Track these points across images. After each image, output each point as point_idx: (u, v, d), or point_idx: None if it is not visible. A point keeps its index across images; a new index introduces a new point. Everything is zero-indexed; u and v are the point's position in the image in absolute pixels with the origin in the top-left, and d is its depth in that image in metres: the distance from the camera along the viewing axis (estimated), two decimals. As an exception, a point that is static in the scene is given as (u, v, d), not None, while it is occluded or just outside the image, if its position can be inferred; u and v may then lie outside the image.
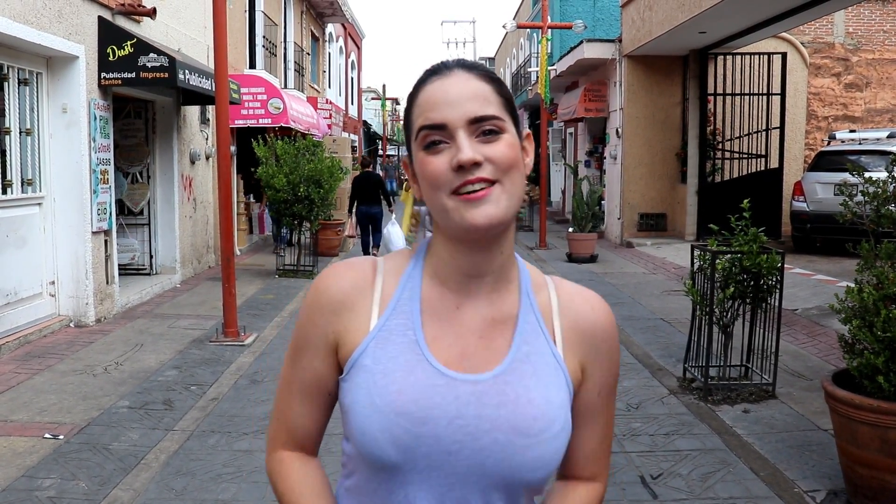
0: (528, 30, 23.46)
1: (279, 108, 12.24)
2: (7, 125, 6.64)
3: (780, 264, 5.03)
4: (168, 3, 9.44)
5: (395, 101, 42.66)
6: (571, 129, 20.49)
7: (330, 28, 22.33)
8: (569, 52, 16.66)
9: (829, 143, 13.21)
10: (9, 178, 6.62)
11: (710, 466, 4.03)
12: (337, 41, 24.63)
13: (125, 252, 9.49)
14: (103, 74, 7.70)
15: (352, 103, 28.70)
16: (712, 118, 13.69)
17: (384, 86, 36.37)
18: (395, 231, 11.18)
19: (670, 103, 14.44)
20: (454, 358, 1.01)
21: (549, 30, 15.47)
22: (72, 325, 7.33)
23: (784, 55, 13.57)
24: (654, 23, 12.71)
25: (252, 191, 14.09)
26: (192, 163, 10.56)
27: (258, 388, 5.46)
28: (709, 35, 12.21)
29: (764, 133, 13.54)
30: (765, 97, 13.42)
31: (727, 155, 13.79)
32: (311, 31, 19.31)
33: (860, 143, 12.09)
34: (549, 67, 15.75)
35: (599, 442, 1.11)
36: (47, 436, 4.43)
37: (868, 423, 3.38)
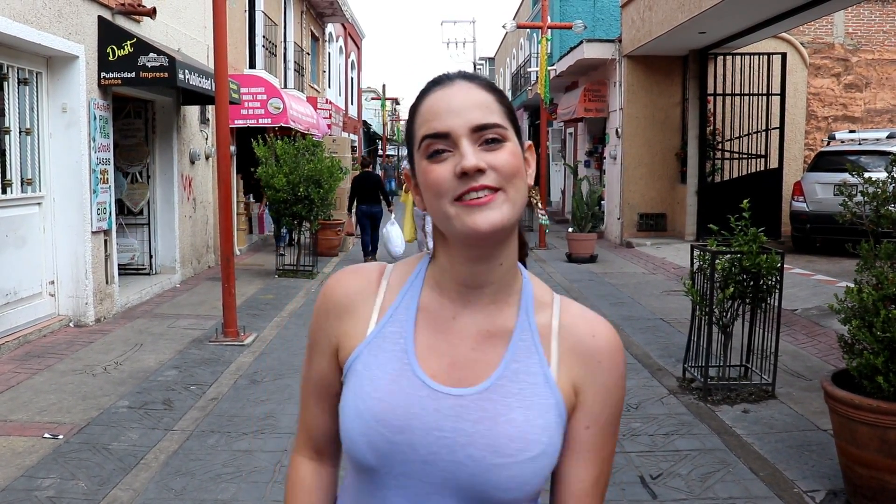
0: (528, 30, 23.47)
1: (279, 108, 12.24)
2: (7, 125, 6.64)
3: (779, 264, 5.04)
4: (168, 3, 9.44)
5: (395, 101, 42.66)
6: (571, 129, 20.49)
7: (330, 28, 22.33)
8: (568, 52, 16.66)
9: (828, 144, 13.21)
10: (8, 177, 6.62)
11: (710, 466, 4.03)
12: (337, 41, 24.63)
13: (125, 252, 9.49)
14: (103, 74, 7.70)
15: (351, 103, 28.70)
16: (712, 118, 13.69)
17: (384, 86, 36.38)
18: (394, 231, 11.21)
19: (670, 103, 14.44)
20: (443, 369, 1.01)
21: (549, 30, 15.48)
22: (71, 324, 7.33)
23: (784, 55, 13.57)
24: (653, 23, 12.72)
25: (252, 191, 14.09)
26: (192, 163, 10.56)
27: (258, 388, 5.46)
28: (709, 35, 12.22)
29: (764, 133, 13.55)
30: (764, 97, 13.42)
31: (727, 155, 13.79)
32: (311, 31, 19.31)
33: (860, 144, 12.09)
34: (549, 67, 15.76)
35: (592, 483, 1.02)
36: (47, 436, 4.42)
37: (867, 424, 3.38)
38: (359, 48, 30.47)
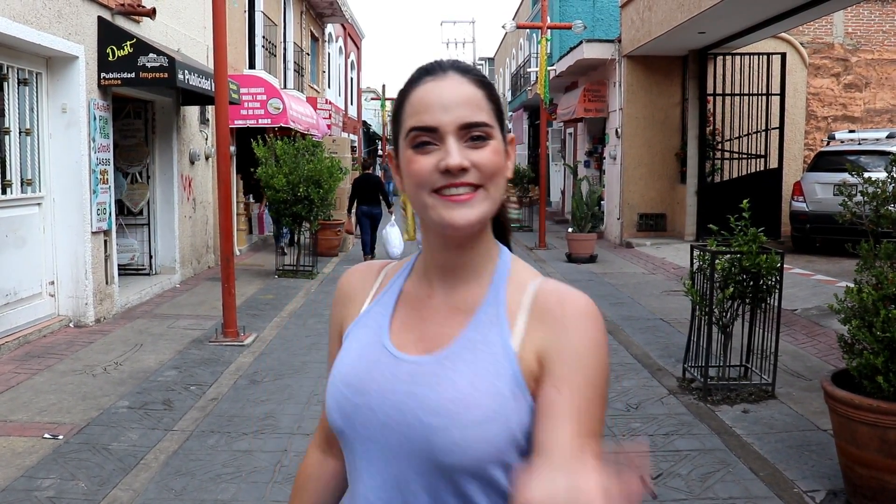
0: (528, 30, 23.47)
1: (279, 109, 12.24)
2: (7, 125, 6.64)
3: (779, 264, 5.04)
4: (168, 3, 9.44)
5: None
6: (571, 130, 20.49)
7: (329, 28, 22.33)
8: (568, 52, 16.67)
9: (828, 144, 13.21)
10: (8, 178, 6.63)
11: (710, 466, 4.04)
12: (336, 41, 24.63)
13: (125, 252, 9.49)
14: (103, 74, 7.70)
15: (351, 103, 28.71)
16: (712, 118, 13.69)
17: (384, 86, 36.36)
18: (393, 232, 11.21)
19: (670, 103, 14.44)
20: (410, 341, 1.07)
21: (549, 30, 15.47)
22: (71, 325, 7.33)
23: (783, 55, 13.57)
24: (653, 23, 12.72)
25: (252, 191, 14.09)
26: (192, 163, 10.56)
27: (258, 389, 5.46)
28: (708, 35, 12.22)
29: (763, 133, 13.55)
30: (764, 97, 13.42)
31: (727, 155, 13.79)
32: (311, 32, 19.31)
33: (859, 144, 12.09)
34: (549, 68, 15.76)
35: (569, 442, 0.95)
36: (47, 436, 4.43)
37: (867, 424, 3.38)
38: (358, 48, 30.48)
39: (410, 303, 1.11)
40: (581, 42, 15.25)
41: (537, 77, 17.10)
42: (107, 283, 7.84)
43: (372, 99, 39.25)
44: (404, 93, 1.07)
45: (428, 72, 1.06)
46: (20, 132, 6.80)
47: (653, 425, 4.68)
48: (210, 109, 10.99)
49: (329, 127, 17.38)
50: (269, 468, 4.04)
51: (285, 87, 15.63)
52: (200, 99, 9.66)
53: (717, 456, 4.18)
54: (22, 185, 6.83)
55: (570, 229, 12.96)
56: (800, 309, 7.62)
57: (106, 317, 7.72)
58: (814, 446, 4.28)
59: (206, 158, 11.25)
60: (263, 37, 14.28)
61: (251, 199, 14.42)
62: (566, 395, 0.97)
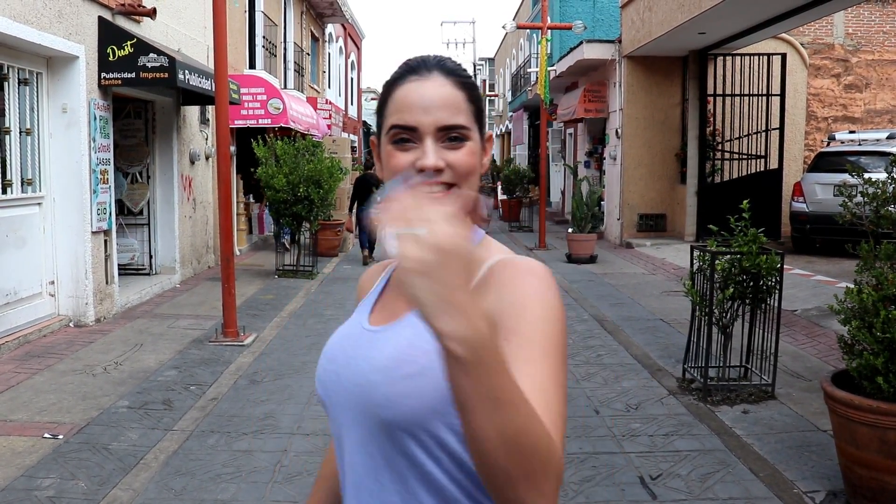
0: (528, 30, 23.47)
1: (279, 109, 12.24)
2: (7, 125, 6.64)
3: (779, 265, 5.04)
4: (168, 3, 9.44)
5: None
6: (571, 130, 20.49)
7: (330, 28, 22.33)
8: (568, 52, 16.67)
9: (828, 144, 13.21)
10: (9, 177, 6.63)
11: (710, 467, 4.04)
12: (337, 41, 24.63)
13: (125, 252, 9.49)
14: (103, 74, 7.70)
15: (351, 104, 28.71)
16: (712, 119, 13.69)
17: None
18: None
19: (670, 104, 14.44)
20: (383, 317, 1.15)
21: (549, 30, 15.48)
22: (71, 324, 7.33)
23: (784, 56, 13.57)
24: (653, 23, 12.72)
25: (252, 191, 14.09)
26: (192, 163, 10.56)
27: (258, 389, 5.46)
28: (708, 36, 12.22)
29: (763, 134, 13.55)
30: (764, 98, 13.42)
31: (727, 156, 13.79)
32: (311, 32, 19.32)
33: (860, 144, 12.09)
34: (549, 68, 15.76)
35: (527, 382, 0.92)
36: (47, 435, 4.43)
37: (867, 424, 3.38)
38: (359, 48, 30.48)
39: (394, 288, 1.19)
40: (581, 42, 15.25)
41: (537, 77, 17.11)
42: (107, 282, 7.84)
43: (372, 99, 39.20)
44: (390, 87, 1.12)
45: (413, 70, 1.10)
46: (20, 132, 6.80)
47: (653, 426, 4.68)
48: (210, 109, 10.99)
49: (329, 127, 17.38)
50: (269, 468, 4.04)
51: (285, 87, 15.64)
52: (201, 99, 9.66)
53: (716, 456, 4.18)
54: (22, 184, 6.83)
55: (570, 230, 12.96)
56: (800, 309, 7.63)
57: (106, 317, 7.72)
58: (814, 447, 4.28)
59: (207, 158, 11.25)
60: (264, 37, 14.28)
61: (251, 199, 14.43)
62: (517, 344, 0.98)
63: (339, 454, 1.15)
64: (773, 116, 13.47)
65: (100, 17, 7.68)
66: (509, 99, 32.08)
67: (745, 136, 13.57)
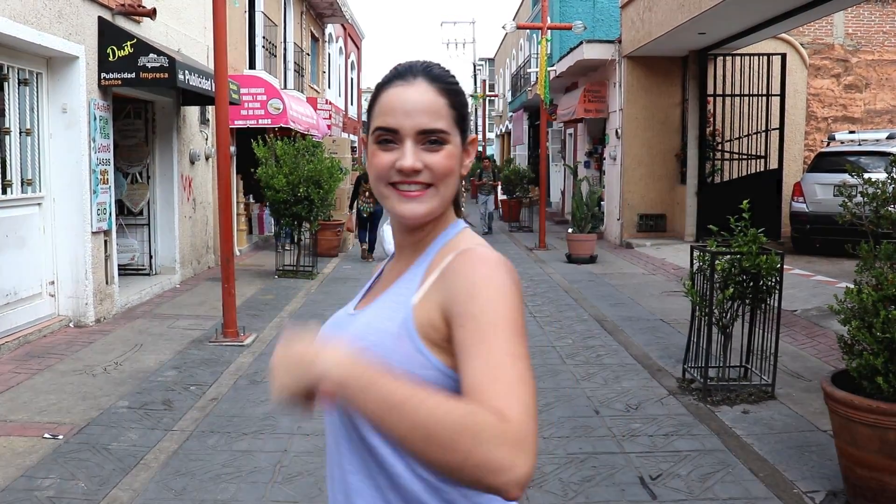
0: (528, 31, 23.47)
1: (279, 109, 12.24)
2: (7, 125, 6.64)
3: (779, 265, 5.04)
4: (168, 3, 9.44)
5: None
6: (571, 130, 20.49)
7: (330, 28, 22.34)
8: (568, 52, 16.67)
9: (828, 144, 13.21)
10: (8, 177, 6.63)
11: (710, 467, 4.04)
12: (337, 41, 24.63)
13: (125, 252, 9.49)
14: (103, 75, 7.70)
15: (351, 104, 28.71)
16: (712, 119, 13.69)
17: (384, 86, 36.30)
18: (388, 230, 11.23)
19: (670, 104, 14.44)
20: (364, 304, 1.27)
21: (549, 31, 15.48)
22: (71, 325, 7.33)
23: (783, 56, 13.57)
24: (653, 24, 12.72)
25: (252, 191, 14.08)
26: (192, 163, 10.56)
27: (257, 389, 5.46)
28: (708, 36, 12.22)
29: (763, 134, 13.55)
30: (764, 98, 13.42)
31: (727, 156, 13.79)
32: (311, 32, 19.32)
33: (859, 145, 12.08)
34: (549, 68, 15.76)
35: (483, 374, 0.97)
36: (47, 436, 4.43)
37: (867, 424, 3.38)
38: (359, 49, 30.48)
39: (385, 277, 1.29)
40: (581, 43, 15.25)
41: (537, 77, 17.11)
42: (107, 283, 7.84)
43: (372, 99, 39.19)
44: (378, 90, 1.20)
45: (400, 75, 1.18)
46: (20, 132, 6.80)
47: (653, 426, 4.68)
48: (210, 109, 10.99)
49: (329, 127, 17.38)
50: (269, 468, 4.04)
51: (285, 87, 15.64)
52: (200, 99, 9.66)
53: (716, 456, 4.18)
54: (22, 185, 6.83)
55: (570, 230, 12.96)
56: (800, 310, 7.63)
57: (106, 317, 7.72)
58: (814, 447, 4.28)
59: (207, 158, 11.25)
60: (263, 37, 14.28)
61: (251, 199, 14.43)
62: (470, 327, 1.03)
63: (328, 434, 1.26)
64: (772, 116, 13.47)
65: (100, 18, 7.68)
66: (509, 99, 32.08)
67: (744, 136, 13.56)
